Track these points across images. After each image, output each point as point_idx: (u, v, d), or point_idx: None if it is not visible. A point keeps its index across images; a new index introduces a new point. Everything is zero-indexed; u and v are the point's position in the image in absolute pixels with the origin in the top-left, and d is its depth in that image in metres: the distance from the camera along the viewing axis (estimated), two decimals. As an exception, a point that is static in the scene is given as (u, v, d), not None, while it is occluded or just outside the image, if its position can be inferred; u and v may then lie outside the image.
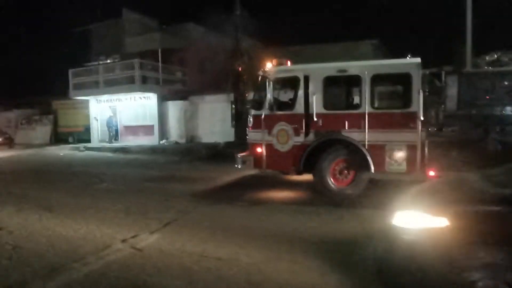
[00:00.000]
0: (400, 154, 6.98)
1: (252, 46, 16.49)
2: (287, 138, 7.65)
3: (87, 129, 25.11)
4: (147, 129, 21.79)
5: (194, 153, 16.47)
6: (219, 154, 15.35)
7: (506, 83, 7.08)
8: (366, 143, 7.13)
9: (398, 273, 3.27)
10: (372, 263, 3.91)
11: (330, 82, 7.46)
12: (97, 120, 23.91)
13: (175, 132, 21.35)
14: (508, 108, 6.98)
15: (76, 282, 3.75)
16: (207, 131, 20.31)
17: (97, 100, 23.60)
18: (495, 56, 8.55)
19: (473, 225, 2.98)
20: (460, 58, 12.40)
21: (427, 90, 6.98)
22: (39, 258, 4.39)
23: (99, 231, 5.39)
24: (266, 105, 7.78)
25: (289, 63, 8.00)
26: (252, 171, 9.53)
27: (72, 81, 22.86)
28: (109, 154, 18.57)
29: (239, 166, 8.34)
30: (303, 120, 7.45)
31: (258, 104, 8.06)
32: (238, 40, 15.92)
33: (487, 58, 8.75)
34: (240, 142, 16.08)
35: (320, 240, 4.88)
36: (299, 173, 7.78)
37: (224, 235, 5.14)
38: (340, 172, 7.46)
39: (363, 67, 7.22)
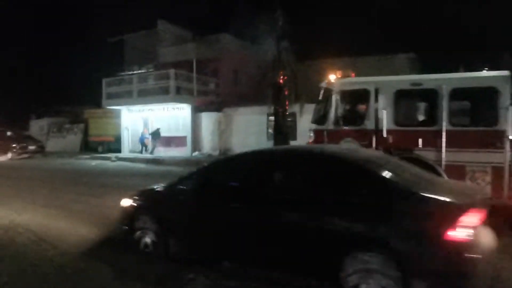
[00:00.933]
0: (483, 177, 6.35)
1: (292, 58, 16.07)
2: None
3: (118, 139, 25.13)
4: (179, 140, 21.55)
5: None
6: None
7: None
8: (443, 163, 6.53)
9: None
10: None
11: (402, 96, 6.91)
12: (128, 130, 23.88)
13: (207, 144, 21.03)
14: None
15: None
16: (241, 144, 19.87)
17: (129, 110, 23.60)
18: None
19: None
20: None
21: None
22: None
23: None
24: (331, 119, 7.31)
25: (353, 75, 7.54)
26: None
27: (105, 90, 22.92)
28: (142, 165, 18.33)
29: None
30: (373, 137, 6.92)
31: (321, 118, 7.58)
32: (279, 52, 15.52)
33: None
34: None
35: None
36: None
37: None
38: (412, 194, 6.84)
39: (440, 80, 6.65)
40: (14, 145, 21.54)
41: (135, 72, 22.21)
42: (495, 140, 6.20)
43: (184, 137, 21.40)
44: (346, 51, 23.88)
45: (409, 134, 6.79)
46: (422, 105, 7.18)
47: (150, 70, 21.95)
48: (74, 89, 33.06)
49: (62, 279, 4.29)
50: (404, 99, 6.95)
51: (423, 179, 4.05)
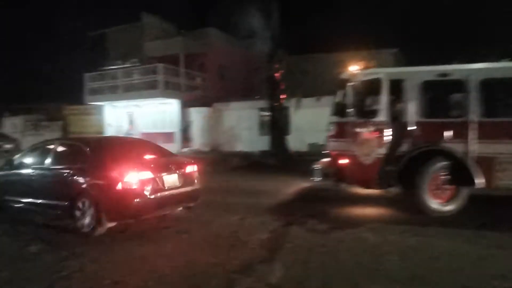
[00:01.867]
0: (514, 168, 6.26)
1: (287, 52, 15.77)
2: (371, 148, 6.89)
3: (100, 136, 24.19)
4: (166, 137, 20.87)
5: (226, 162, 15.63)
6: (255, 164, 14.54)
7: None
8: (472, 155, 6.40)
9: None
10: None
11: (429, 87, 6.74)
12: (111, 126, 22.99)
13: (197, 140, 20.50)
14: None
15: None
16: (232, 140, 19.50)
17: (112, 106, 22.72)
18: None
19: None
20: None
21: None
22: None
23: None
24: (353, 111, 7.06)
25: (374, 66, 7.30)
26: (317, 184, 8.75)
27: (88, 85, 21.94)
28: (131, 163, 17.64)
29: (318, 179, 7.56)
30: (399, 129, 6.72)
31: (342, 110, 7.32)
32: (276, 46, 15.16)
33: None
34: (276, 151, 15.34)
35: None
36: (384, 187, 7.05)
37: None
38: (439, 187, 6.71)
39: (469, 71, 6.51)
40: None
41: (120, 66, 21.29)
42: (526, 131, 6.12)
43: (172, 133, 20.78)
44: (329, 47, 23.87)
45: (436, 126, 6.63)
46: (449, 96, 7.03)
47: (136, 64, 21.10)
48: (53, 85, 31.60)
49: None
50: (430, 90, 6.77)
51: None
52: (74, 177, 5.94)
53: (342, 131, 7.22)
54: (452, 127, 6.54)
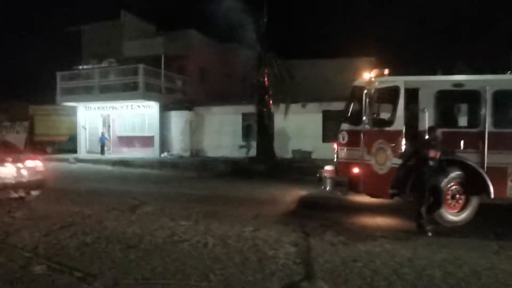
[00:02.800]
0: (528, 179, 6.32)
1: (275, 57, 15.56)
2: (386, 158, 6.77)
3: (71, 139, 22.99)
4: (145, 141, 20.14)
5: (211, 168, 15.18)
6: (242, 170, 14.18)
7: None
8: (485, 165, 6.42)
9: None
10: None
11: (443, 97, 6.71)
12: (85, 129, 21.91)
13: (177, 145, 19.85)
14: None
15: None
16: (214, 145, 19.05)
17: (86, 107, 21.64)
18: None
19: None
20: None
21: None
22: None
23: None
24: (366, 120, 6.92)
25: (388, 73, 7.20)
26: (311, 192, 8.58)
27: (60, 85, 20.75)
28: (109, 168, 16.78)
29: (328, 189, 7.35)
30: (414, 137, 6.65)
31: (355, 118, 7.17)
32: (265, 51, 14.93)
33: None
34: (265, 158, 15.06)
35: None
36: (395, 196, 6.96)
37: None
38: (452, 197, 6.68)
39: (484, 81, 6.54)
40: None
41: (96, 66, 20.31)
42: (540, 142, 6.20)
43: (151, 137, 20.03)
44: (307, 54, 23.98)
45: (450, 136, 6.60)
46: (464, 106, 7.05)
47: (113, 64, 20.19)
48: (19, 82, 29.80)
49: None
50: (445, 100, 6.75)
51: None
52: None
53: (355, 139, 7.07)
54: (466, 137, 6.55)
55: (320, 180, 7.73)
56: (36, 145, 24.88)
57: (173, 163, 16.75)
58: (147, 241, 5.55)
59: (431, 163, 5.99)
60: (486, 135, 6.40)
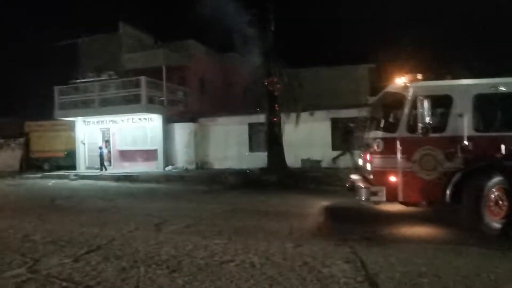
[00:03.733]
0: None
1: (283, 66, 15.36)
2: (435, 164, 6.53)
3: (69, 154, 22.41)
4: (148, 154, 19.66)
5: (220, 181, 14.78)
6: (254, 182, 13.82)
7: None
8: (532, 169, 6.17)
9: None
10: None
11: (483, 101, 6.51)
12: (84, 144, 21.36)
13: (182, 158, 19.41)
14: None
15: None
16: (220, 156, 18.67)
17: (85, 121, 21.13)
18: None
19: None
20: None
21: None
22: None
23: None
24: (404, 126, 6.66)
25: (421, 78, 6.97)
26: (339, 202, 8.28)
27: (58, 100, 20.24)
28: (113, 184, 16.29)
29: (364, 198, 7.03)
30: (458, 144, 6.41)
31: (390, 125, 6.90)
32: (274, 61, 14.70)
33: None
34: (275, 168, 14.72)
35: None
36: (440, 204, 6.69)
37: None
38: (496, 203, 6.42)
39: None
40: None
41: (95, 79, 19.87)
42: None
43: (154, 151, 19.56)
44: (308, 62, 23.87)
45: (492, 141, 6.38)
46: (504, 110, 6.84)
47: (113, 77, 19.78)
48: (14, 98, 29.14)
49: None
50: (485, 103, 6.53)
51: None
52: None
53: (391, 147, 6.79)
54: (509, 141, 6.33)
55: (352, 190, 7.45)
56: (32, 162, 24.30)
57: (179, 176, 16.31)
58: (188, 263, 5.14)
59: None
60: (530, 138, 6.19)
